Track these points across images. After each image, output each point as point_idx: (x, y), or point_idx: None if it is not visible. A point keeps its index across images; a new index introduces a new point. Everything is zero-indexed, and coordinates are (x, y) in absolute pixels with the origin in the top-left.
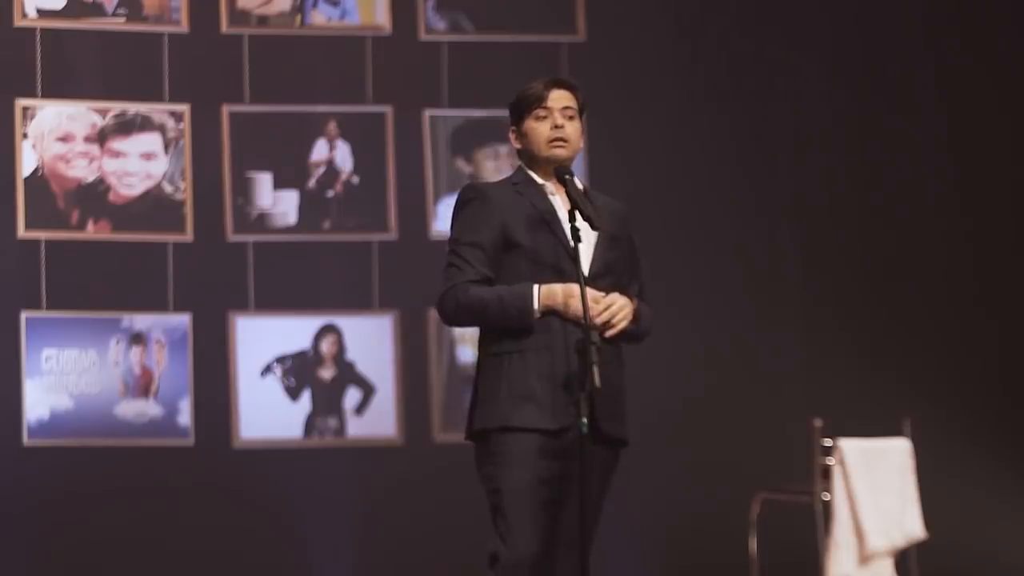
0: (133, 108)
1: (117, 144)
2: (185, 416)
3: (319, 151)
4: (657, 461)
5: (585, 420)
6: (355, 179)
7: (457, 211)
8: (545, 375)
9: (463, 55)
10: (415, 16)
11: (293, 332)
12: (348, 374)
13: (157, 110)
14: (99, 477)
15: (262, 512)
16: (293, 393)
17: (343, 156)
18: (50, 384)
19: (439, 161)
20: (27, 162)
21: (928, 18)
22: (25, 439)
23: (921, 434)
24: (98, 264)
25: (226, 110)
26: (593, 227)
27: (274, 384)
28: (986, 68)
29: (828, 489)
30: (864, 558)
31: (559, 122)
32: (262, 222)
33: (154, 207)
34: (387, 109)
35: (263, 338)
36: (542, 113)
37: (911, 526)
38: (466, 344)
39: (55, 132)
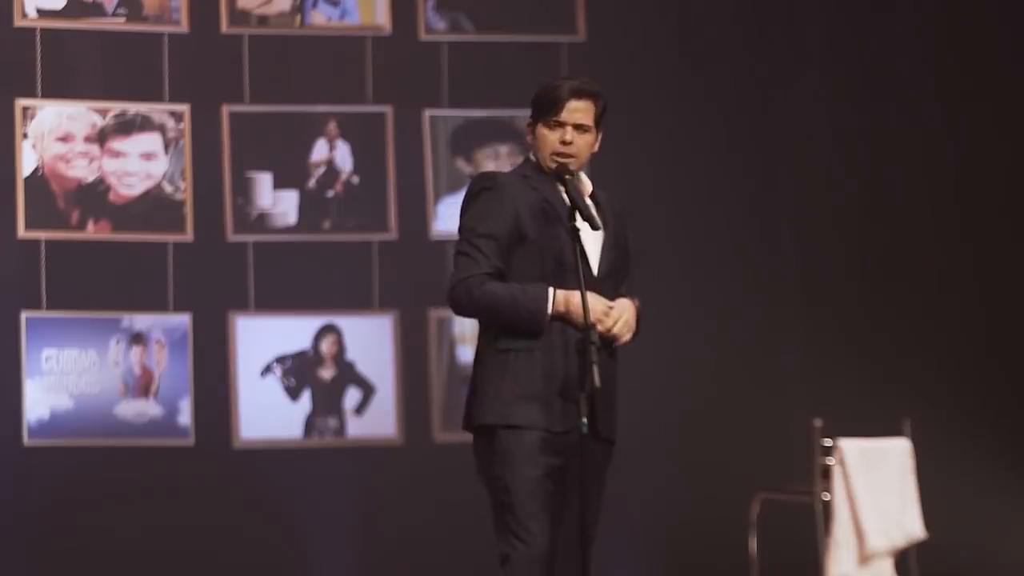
0: (133, 108)
1: (117, 144)
2: (185, 416)
3: (319, 151)
4: (657, 461)
5: (585, 420)
6: (355, 179)
7: (470, 199)
8: (550, 375)
9: (463, 55)
10: (415, 16)
11: (293, 332)
12: (348, 374)
13: (157, 110)
14: (99, 477)
15: (262, 512)
16: (293, 393)
17: (343, 156)
18: (50, 384)
19: (439, 161)
20: (27, 162)
21: (926, 21)
22: (25, 439)
23: (921, 434)
24: (98, 264)
25: (226, 110)
26: (593, 227)
27: (274, 384)
28: (984, 69)
29: (828, 489)
30: (864, 558)
31: (568, 138)
32: (262, 222)
33: (154, 207)
34: (387, 109)
35: (263, 338)
36: (554, 123)
37: (911, 526)
38: (466, 344)
39: (55, 132)
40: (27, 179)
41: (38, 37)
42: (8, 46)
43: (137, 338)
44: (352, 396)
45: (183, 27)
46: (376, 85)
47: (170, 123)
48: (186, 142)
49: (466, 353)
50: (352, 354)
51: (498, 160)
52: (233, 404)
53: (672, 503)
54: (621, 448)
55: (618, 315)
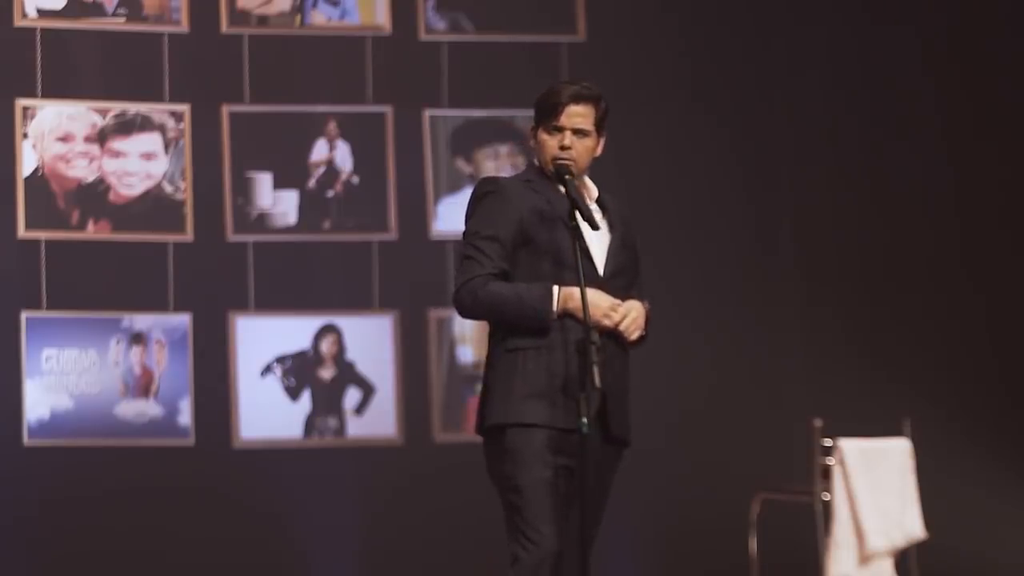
0: (133, 108)
1: (117, 144)
2: (185, 416)
3: (319, 151)
4: (657, 461)
5: (585, 420)
6: (355, 179)
7: (474, 203)
8: (558, 373)
9: (463, 55)
10: (415, 16)
11: (293, 332)
12: (348, 374)
13: (157, 110)
14: (99, 477)
15: (262, 512)
16: (293, 393)
17: (343, 156)
18: (50, 384)
19: (439, 161)
20: (27, 162)
21: (923, 25)
22: (25, 439)
23: (921, 434)
24: (98, 264)
25: (226, 110)
26: (593, 227)
27: (274, 384)
28: (982, 73)
29: (828, 489)
30: (864, 558)
31: (567, 142)
32: (262, 222)
33: (154, 207)
34: (387, 109)
35: (263, 338)
36: (554, 128)
37: (911, 526)
38: (466, 344)
39: (55, 132)
40: (27, 179)
41: (38, 37)
42: (8, 46)
43: (137, 338)
44: (352, 396)
45: (183, 27)
46: (376, 85)
47: (170, 123)
48: (186, 142)
49: (466, 353)
50: (352, 354)
51: (498, 160)
52: (233, 404)
53: (672, 503)
54: (630, 446)
55: (625, 311)
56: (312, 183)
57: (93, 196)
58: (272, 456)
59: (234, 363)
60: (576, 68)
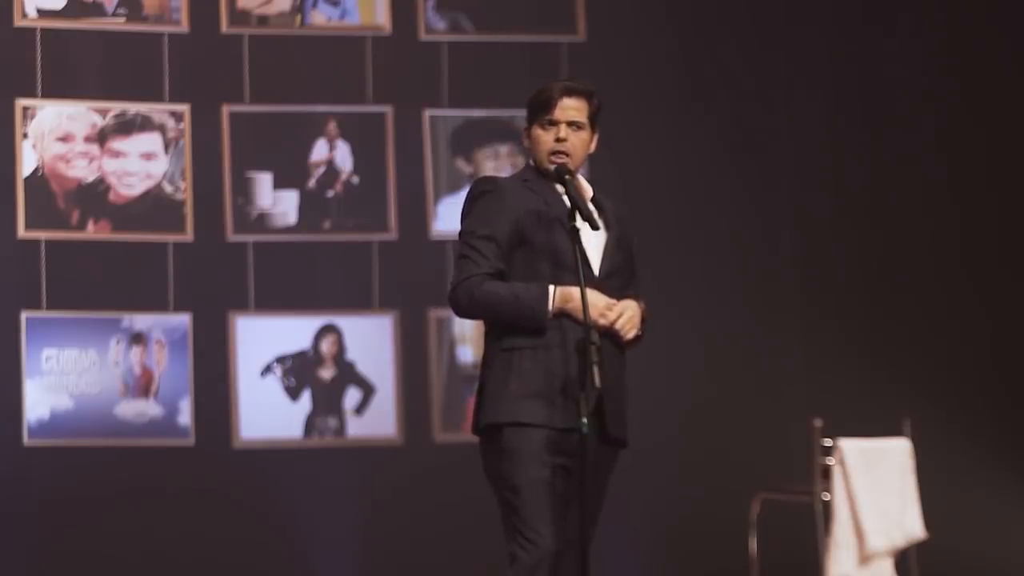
0: (133, 108)
1: (117, 144)
2: (185, 416)
3: (319, 151)
4: (657, 461)
5: (585, 420)
6: (355, 179)
7: (471, 202)
8: (556, 373)
9: (463, 55)
10: (415, 16)
11: (293, 332)
12: (348, 374)
13: (157, 110)
14: (99, 477)
15: (262, 512)
16: (293, 393)
17: (343, 156)
18: (50, 384)
19: (439, 161)
20: (27, 162)
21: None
22: (25, 439)
23: (921, 434)
24: (98, 264)
25: (226, 110)
26: (593, 227)
27: (274, 384)
28: (980, 77)
29: (828, 489)
30: (864, 558)
31: (562, 135)
32: (262, 222)
33: (154, 207)
34: (387, 109)
35: (263, 338)
36: (548, 122)
37: (911, 526)
38: (466, 344)
39: (55, 132)
40: (27, 179)
41: (38, 37)
42: (8, 46)
43: (137, 338)
44: (352, 396)
45: (183, 27)
46: (376, 85)
47: (170, 123)
48: (186, 142)
49: (466, 353)
50: (352, 354)
51: (498, 160)
52: (233, 404)
53: (672, 503)
54: (627, 447)
55: (621, 310)
56: (312, 183)
57: (93, 196)
58: (272, 456)
59: (234, 363)
60: (576, 68)
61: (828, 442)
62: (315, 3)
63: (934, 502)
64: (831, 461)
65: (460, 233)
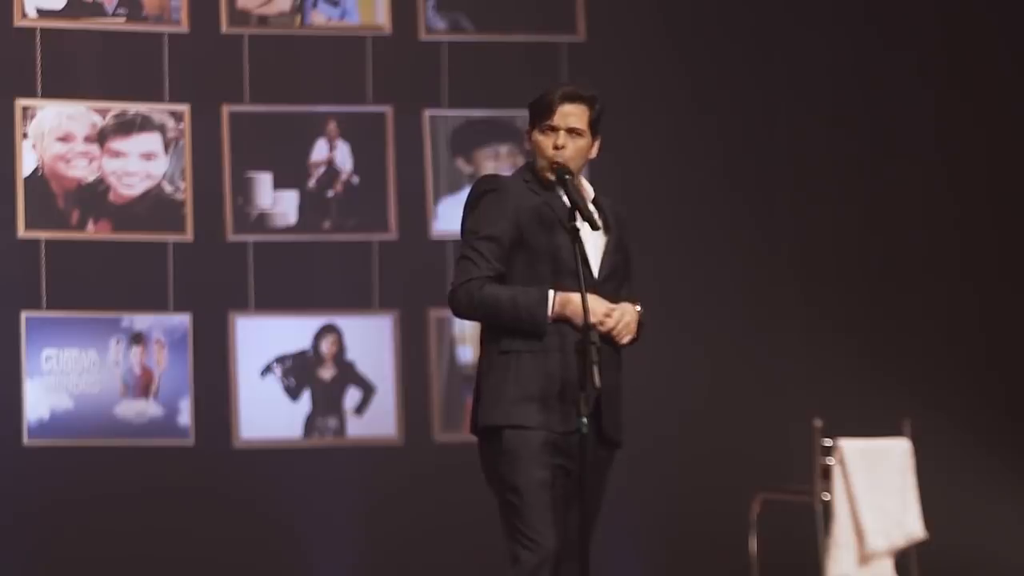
0: (133, 108)
1: (117, 144)
2: (185, 416)
3: (319, 151)
4: (657, 461)
5: (585, 420)
6: (355, 179)
7: (473, 202)
8: (553, 376)
9: (463, 55)
10: (415, 16)
11: (293, 332)
12: (348, 374)
13: (157, 110)
14: (99, 477)
15: (262, 512)
16: (293, 393)
17: (343, 156)
18: (50, 384)
19: (439, 161)
20: (27, 162)
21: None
22: (25, 439)
23: (921, 434)
24: (98, 264)
25: (226, 110)
26: (593, 228)
27: (274, 384)
28: (978, 72)
29: (828, 489)
30: (864, 558)
31: (560, 142)
32: (262, 222)
33: (154, 207)
34: (387, 109)
35: (263, 338)
36: (547, 128)
37: (911, 526)
38: (466, 344)
39: (55, 132)
40: (27, 179)
41: (38, 37)
42: (8, 46)
43: (137, 338)
44: (352, 396)
45: (183, 27)
46: (376, 85)
47: (170, 123)
48: (186, 142)
49: (466, 353)
50: (352, 354)
51: (498, 160)
52: (233, 404)
53: (672, 503)
54: (621, 448)
55: (619, 316)
56: (312, 183)
57: (93, 196)
58: (272, 456)
59: (234, 363)
60: (576, 68)
61: (828, 442)
62: (315, 3)
63: (934, 502)
64: (831, 461)
65: (462, 232)
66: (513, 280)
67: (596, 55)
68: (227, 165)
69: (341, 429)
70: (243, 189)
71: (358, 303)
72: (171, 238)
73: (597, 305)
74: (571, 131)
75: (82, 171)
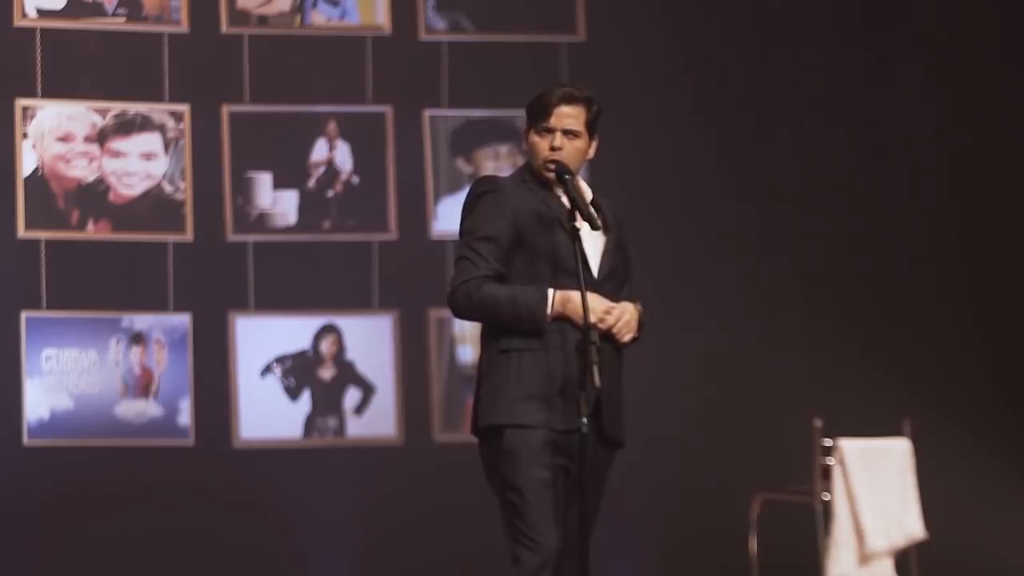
0: (133, 108)
1: (117, 144)
2: (185, 416)
3: (319, 151)
4: (657, 461)
5: (585, 420)
6: (355, 179)
7: (471, 202)
8: (554, 375)
9: (463, 55)
10: (415, 16)
11: (293, 332)
12: (348, 374)
13: (157, 110)
14: (99, 477)
15: (262, 512)
16: (293, 393)
17: (343, 156)
18: (50, 384)
19: (439, 161)
20: (27, 162)
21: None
22: (25, 439)
23: (921, 434)
24: (98, 264)
25: (226, 110)
26: (593, 227)
27: (274, 384)
28: (977, 76)
29: (828, 489)
30: (864, 558)
31: (556, 144)
32: (262, 222)
33: (154, 207)
34: (387, 109)
35: (263, 338)
36: (544, 129)
37: (911, 526)
38: (466, 344)
39: (55, 132)
40: (27, 179)
41: (38, 37)
42: (8, 46)
43: (137, 338)
44: (352, 396)
45: (183, 27)
46: (376, 85)
47: (170, 123)
48: (186, 142)
49: (466, 353)
50: (352, 354)
51: (498, 160)
52: (233, 404)
53: (672, 503)
54: (624, 447)
55: (619, 314)
56: (312, 183)
57: (93, 196)
58: (272, 456)
59: (234, 363)
60: (576, 68)
61: (828, 442)
62: (315, 3)
63: (934, 502)
64: (831, 461)
65: (460, 233)
66: (513, 280)
67: (596, 55)
68: (227, 165)
69: (341, 429)
70: (243, 189)
71: (358, 303)
72: (171, 238)
73: (597, 303)
74: (568, 132)
75: (82, 171)
